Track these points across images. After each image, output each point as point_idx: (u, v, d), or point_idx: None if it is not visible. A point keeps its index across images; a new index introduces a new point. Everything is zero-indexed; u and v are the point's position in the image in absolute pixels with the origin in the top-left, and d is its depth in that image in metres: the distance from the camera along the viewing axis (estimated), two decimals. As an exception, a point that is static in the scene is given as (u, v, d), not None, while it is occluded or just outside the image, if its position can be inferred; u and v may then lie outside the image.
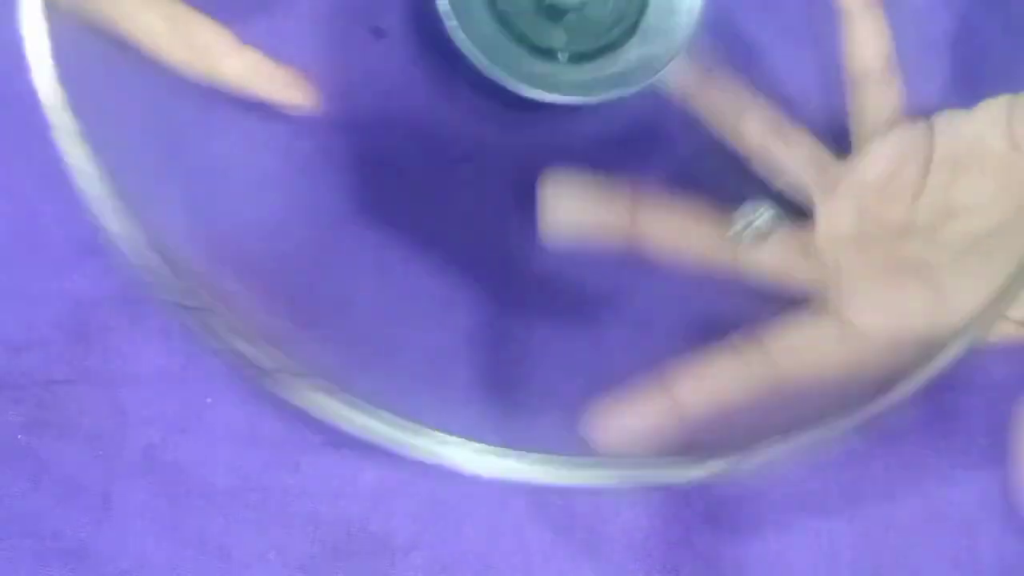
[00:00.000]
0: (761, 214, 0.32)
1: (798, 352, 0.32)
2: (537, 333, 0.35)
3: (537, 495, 0.37)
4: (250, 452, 0.38)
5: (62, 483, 0.38)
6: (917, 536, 0.38)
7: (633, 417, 0.31)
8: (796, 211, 0.35)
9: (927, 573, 0.37)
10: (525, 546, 0.37)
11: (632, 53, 0.34)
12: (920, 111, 0.36)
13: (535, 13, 0.33)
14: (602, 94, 0.33)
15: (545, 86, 0.32)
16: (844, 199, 0.35)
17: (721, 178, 0.34)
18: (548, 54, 0.33)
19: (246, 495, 0.38)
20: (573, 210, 0.32)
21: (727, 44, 0.35)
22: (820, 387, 0.32)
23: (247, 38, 0.31)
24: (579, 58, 0.33)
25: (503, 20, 0.32)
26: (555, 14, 0.33)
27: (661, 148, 0.35)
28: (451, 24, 0.31)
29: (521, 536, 0.37)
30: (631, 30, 0.34)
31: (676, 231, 0.33)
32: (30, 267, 0.40)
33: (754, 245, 0.33)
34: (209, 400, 0.37)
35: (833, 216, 0.35)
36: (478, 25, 0.32)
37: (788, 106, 0.35)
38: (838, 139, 0.36)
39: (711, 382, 0.31)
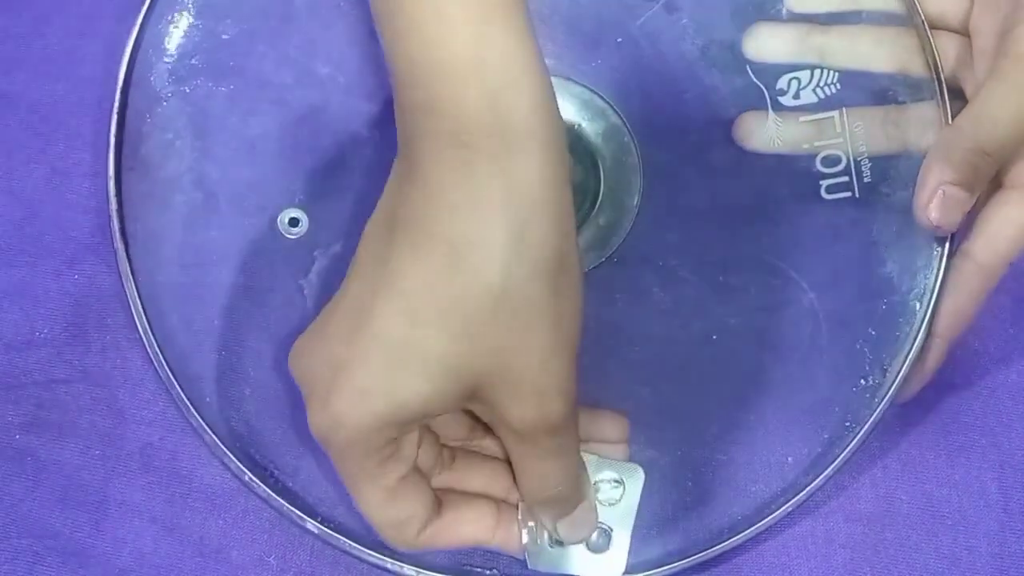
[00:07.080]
0: None
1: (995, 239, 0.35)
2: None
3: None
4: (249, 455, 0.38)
5: (60, 483, 0.38)
6: (915, 535, 0.37)
7: None
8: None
9: (925, 572, 0.37)
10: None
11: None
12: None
13: None
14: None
15: None
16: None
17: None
18: None
19: (246, 498, 0.38)
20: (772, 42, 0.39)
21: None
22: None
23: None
24: None
25: None
26: None
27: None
28: None
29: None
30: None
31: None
32: (29, 267, 0.40)
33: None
34: (208, 399, 0.37)
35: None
36: None
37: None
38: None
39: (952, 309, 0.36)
